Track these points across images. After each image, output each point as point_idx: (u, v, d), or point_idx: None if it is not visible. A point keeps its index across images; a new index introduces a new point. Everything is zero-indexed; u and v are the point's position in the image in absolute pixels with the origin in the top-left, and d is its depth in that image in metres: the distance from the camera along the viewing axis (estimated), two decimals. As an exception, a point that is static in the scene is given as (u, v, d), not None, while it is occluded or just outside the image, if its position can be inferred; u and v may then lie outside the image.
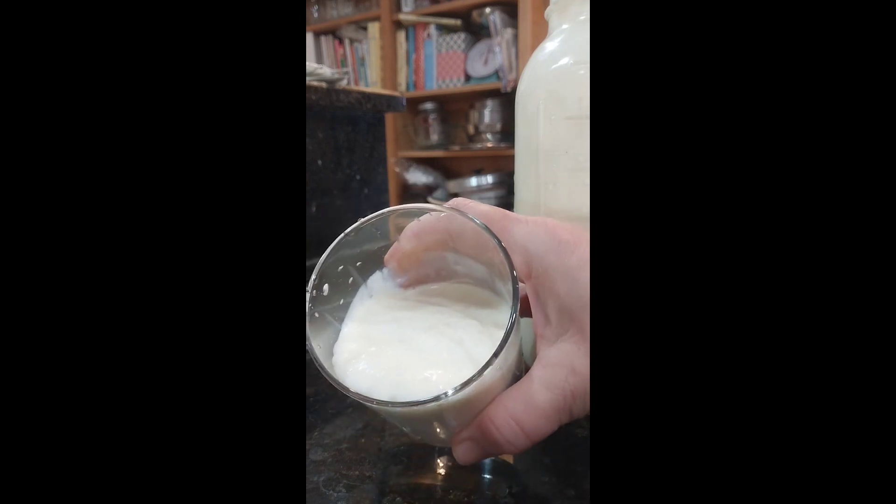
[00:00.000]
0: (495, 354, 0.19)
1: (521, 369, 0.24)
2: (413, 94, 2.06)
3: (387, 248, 0.26)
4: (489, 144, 1.93)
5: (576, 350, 0.20)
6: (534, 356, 0.22)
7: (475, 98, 1.99)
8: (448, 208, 0.23)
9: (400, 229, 0.25)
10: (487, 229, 0.21)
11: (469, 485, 0.24)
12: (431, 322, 0.24)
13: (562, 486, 0.24)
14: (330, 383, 0.20)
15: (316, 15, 2.30)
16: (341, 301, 0.25)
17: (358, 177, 0.67)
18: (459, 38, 1.95)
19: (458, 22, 1.96)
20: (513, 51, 1.80)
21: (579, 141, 0.28)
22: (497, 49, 1.81)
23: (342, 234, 0.24)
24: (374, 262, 0.26)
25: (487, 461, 0.26)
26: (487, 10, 1.84)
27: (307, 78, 0.58)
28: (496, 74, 1.86)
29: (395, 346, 0.23)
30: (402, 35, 2.07)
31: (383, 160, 0.72)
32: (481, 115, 1.94)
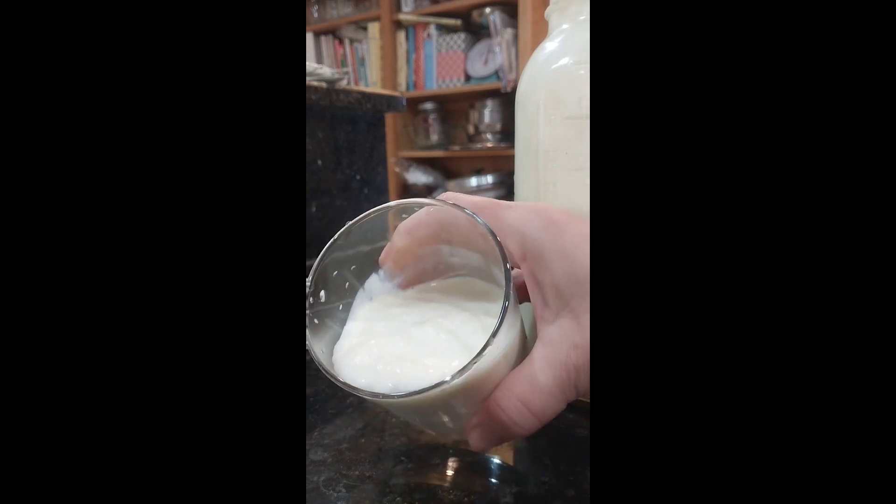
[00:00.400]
0: (493, 335, 0.19)
1: (528, 353, 0.24)
2: (413, 94, 2.06)
3: (381, 249, 0.26)
4: (489, 144, 1.93)
5: (575, 325, 0.20)
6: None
7: (475, 98, 1.99)
8: (437, 200, 0.23)
9: (394, 227, 0.25)
10: (475, 216, 0.21)
11: (469, 485, 0.24)
12: (427, 316, 0.24)
13: (562, 486, 0.24)
14: (331, 384, 0.20)
15: (316, 15, 2.30)
16: (340, 306, 0.25)
17: (358, 177, 0.67)
18: (459, 38, 1.95)
19: (458, 22, 1.96)
20: (513, 51, 1.80)
21: (579, 141, 0.28)
22: (497, 49, 1.81)
23: (332, 240, 0.24)
24: (369, 263, 0.26)
25: (487, 461, 0.26)
26: (487, 10, 1.84)
27: (307, 78, 0.58)
28: (496, 74, 1.86)
29: (392, 340, 0.23)
30: (402, 35, 2.07)
31: (383, 160, 0.72)
32: (481, 115, 1.94)
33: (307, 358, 0.20)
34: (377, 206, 0.24)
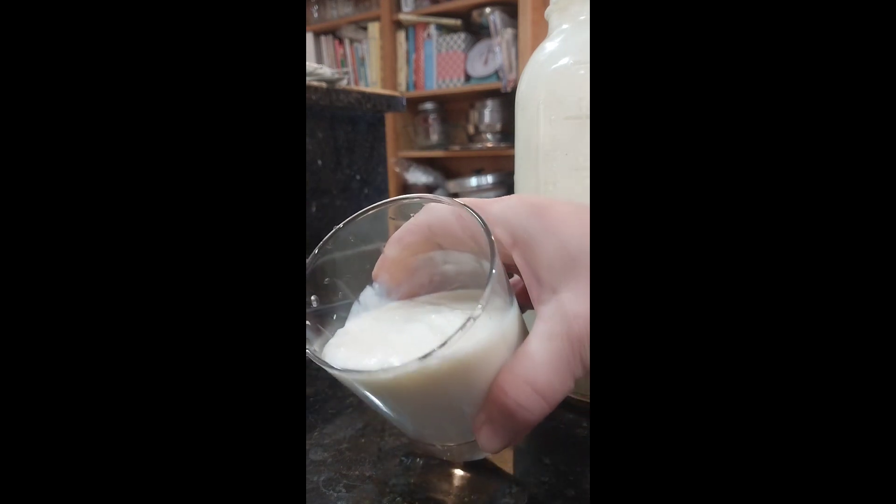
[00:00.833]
0: (482, 302, 0.18)
1: None
2: (413, 94, 2.06)
3: (369, 254, 0.25)
4: (489, 144, 1.93)
5: (571, 297, 0.20)
6: None
7: (475, 98, 1.99)
8: (419, 196, 0.23)
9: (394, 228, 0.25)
10: (457, 203, 0.21)
11: (469, 485, 0.24)
12: (412, 314, 0.24)
13: (562, 486, 0.24)
14: (331, 384, 0.20)
15: (316, 15, 2.30)
16: (334, 316, 0.25)
17: (358, 177, 0.67)
18: (459, 38, 1.95)
19: (458, 22, 1.96)
20: (513, 51, 1.80)
21: (579, 141, 0.28)
22: (497, 49, 1.81)
23: (320, 243, 0.23)
24: (363, 269, 0.26)
25: (487, 461, 0.26)
26: (487, 10, 1.84)
27: (307, 78, 0.58)
28: (496, 74, 1.86)
29: (380, 334, 0.23)
30: (402, 35, 2.07)
31: (383, 160, 0.72)
32: (481, 115, 1.94)
33: (307, 358, 0.20)
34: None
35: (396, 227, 0.25)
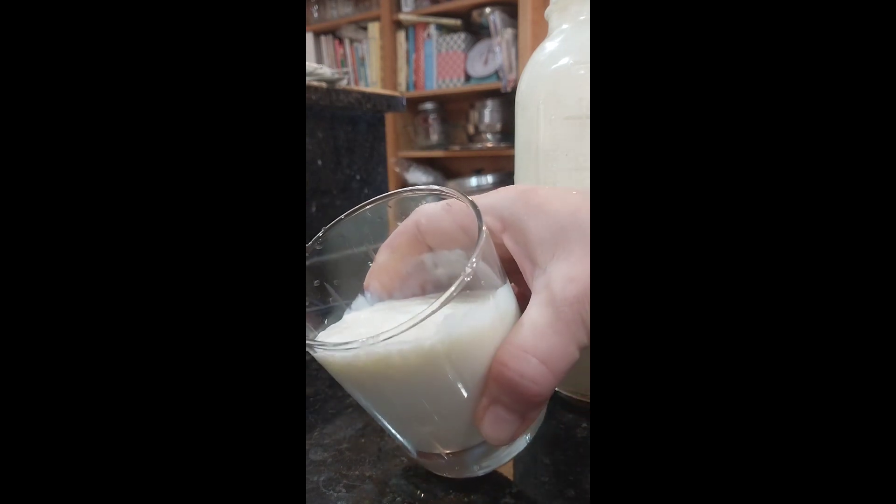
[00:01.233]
0: (472, 266, 0.18)
1: None
2: (413, 94, 2.06)
3: (355, 255, 0.25)
4: (489, 144, 1.93)
5: (565, 265, 0.19)
6: None
7: (475, 98, 1.99)
8: (407, 189, 0.23)
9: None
10: (443, 188, 0.22)
11: (469, 485, 0.24)
12: (407, 306, 0.24)
13: (562, 486, 0.24)
14: (331, 384, 0.20)
15: (316, 15, 2.30)
16: (325, 321, 0.25)
17: (358, 177, 0.67)
18: (459, 38, 1.95)
19: (458, 22, 1.96)
20: (513, 51, 1.80)
21: (579, 141, 0.28)
22: (497, 49, 1.81)
23: (308, 244, 0.23)
24: (355, 273, 0.25)
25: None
26: (487, 10, 1.84)
27: (307, 78, 0.58)
28: (496, 74, 1.86)
29: (370, 322, 0.23)
30: (402, 35, 2.07)
31: (383, 160, 0.72)
32: (481, 115, 1.95)
33: (307, 358, 0.20)
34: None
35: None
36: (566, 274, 0.19)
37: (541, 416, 0.23)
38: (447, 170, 2.19)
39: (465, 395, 0.20)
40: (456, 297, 0.18)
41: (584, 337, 0.19)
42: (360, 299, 0.25)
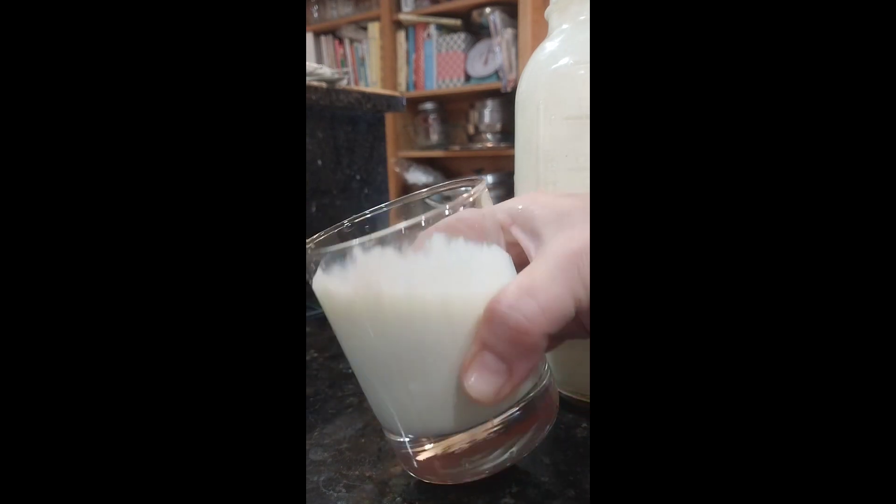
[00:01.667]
0: (486, 184, 0.20)
1: None
2: (413, 94, 2.06)
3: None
4: (489, 144, 1.93)
5: (567, 232, 0.20)
6: None
7: (475, 98, 1.99)
8: (414, 197, 0.23)
9: None
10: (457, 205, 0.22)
11: (469, 485, 0.24)
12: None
13: (562, 486, 0.24)
14: (331, 384, 0.20)
15: (316, 15, 2.30)
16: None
17: (358, 177, 0.67)
18: (459, 38, 1.95)
19: (458, 22, 1.96)
20: (513, 51, 1.80)
21: (579, 141, 0.28)
22: (497, 49, 1.81)
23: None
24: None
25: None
26: (487, 10, 1.84)
27: (307, 78, 0.58)
28: (496, 74, 1.86)
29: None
30: (402, 35, 2.07)
31: (383, 160, 0.72)
32: (481, 115, 1.95)
33: (307, 358, 0.20)
34: (377, 206, 0.24)
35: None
36: (567, 235, 0.20)
37: (533, 437, 0.23)
38: (447, 170, 2.19)
39: (454, 343, 0.20)
40: (465, 248, 0.20)
41: (580, 290, 0.19)
42: None
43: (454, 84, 1.98)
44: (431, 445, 0.23)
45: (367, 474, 0.25)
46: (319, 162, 0.62)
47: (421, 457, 0.23)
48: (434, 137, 2.13)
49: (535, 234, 0.22)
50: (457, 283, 0.20)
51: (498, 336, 0.19)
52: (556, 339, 0.23)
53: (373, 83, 2.17)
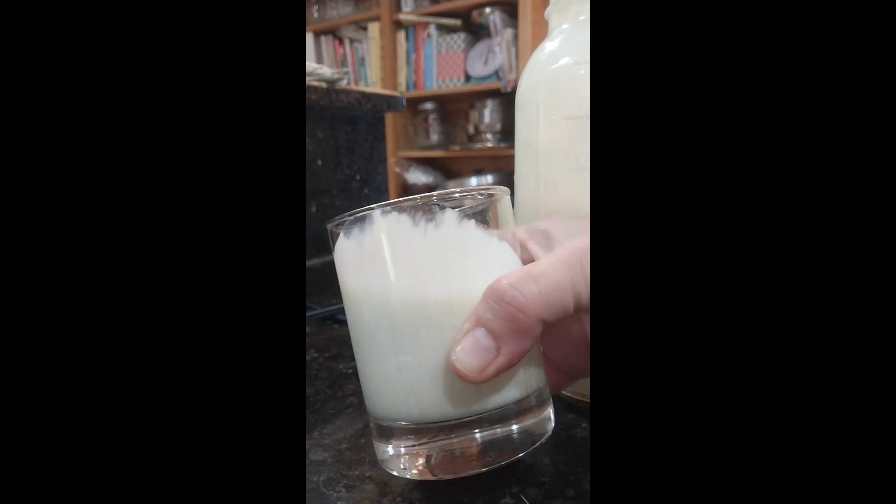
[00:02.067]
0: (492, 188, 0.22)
1: None
2: (413, 94, 2.06)
3: None
4: (489, 144, 1.93)
5: (579, 237, 0.21)
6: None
7: (475, 98, 1.99)
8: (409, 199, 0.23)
9: None
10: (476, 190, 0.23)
11: (469, 485, 0.24)
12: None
13: (562, 486, 0.24)
14: (330, 384, 0.20)
15: (316, 15, 2.30)
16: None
17: (358, 177, 0.68)
18: (459, 38, 1.95)
19: (458, 22, 1.96)
20: (513, 51, 1.80)
21: (579, 141, 0.28)
22: (497, 49, 1.81)
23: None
24: None
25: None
26: (487, 10, 1.84)
27: (307, 78, 0.58)
28: (496, 74, 1.86)
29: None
30: (402, 35, 2.07)
31: (383, 160, 0.72)
32: (481, 115, 1.94)
33: (307, 358, 0.20)
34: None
35: None
36: (577, 239, 0.21)
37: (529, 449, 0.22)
38: (447, 170, 2.19)
39: (450, 321, 0.20)
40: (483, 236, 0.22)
41: (581, 284, 0.19)
42: None
43: (454, 84, 1.98)
44: (412, 437, 0.22)
45: (367, 474, 0.25)
46: (319, 162, 0.62)
47: (404, 450, 0.22)
48: (434, 137, 2.13)
49: (549, 247, 0.24)
50: (462, 262, 0.21)
51: (494, 312, 0.19)
52: (555, 339, 0.24)
53: (373, 83, 2.17)
